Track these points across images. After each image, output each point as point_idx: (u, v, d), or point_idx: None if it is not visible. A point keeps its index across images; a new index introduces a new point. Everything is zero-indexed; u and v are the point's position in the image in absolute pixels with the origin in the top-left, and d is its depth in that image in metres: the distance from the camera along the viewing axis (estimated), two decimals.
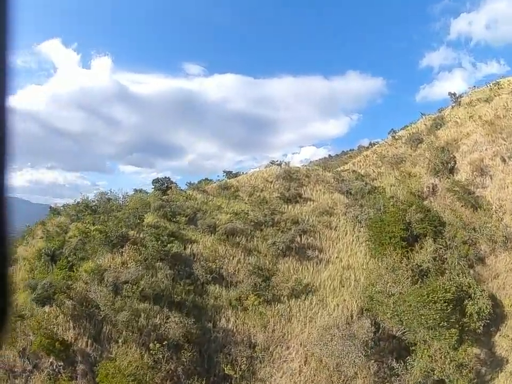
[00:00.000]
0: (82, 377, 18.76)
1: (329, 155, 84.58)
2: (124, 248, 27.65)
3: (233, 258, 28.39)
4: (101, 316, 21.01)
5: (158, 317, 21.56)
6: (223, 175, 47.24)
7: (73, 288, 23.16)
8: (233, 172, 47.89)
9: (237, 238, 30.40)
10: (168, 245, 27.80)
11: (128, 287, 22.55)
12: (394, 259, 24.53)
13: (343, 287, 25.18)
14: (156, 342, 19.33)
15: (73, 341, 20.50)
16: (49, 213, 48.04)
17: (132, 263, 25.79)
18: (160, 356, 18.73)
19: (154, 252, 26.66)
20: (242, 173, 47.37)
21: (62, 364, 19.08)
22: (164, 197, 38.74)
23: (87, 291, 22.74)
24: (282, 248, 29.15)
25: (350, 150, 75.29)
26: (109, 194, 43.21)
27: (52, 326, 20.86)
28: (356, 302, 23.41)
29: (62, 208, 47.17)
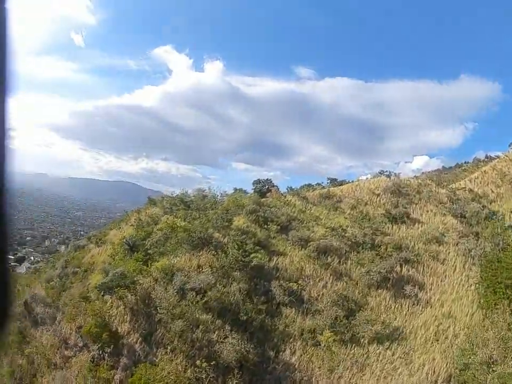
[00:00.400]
0: (122, 371, 19.56)
1: (443, 167, 79.55)
2: (203, 251, 27.46)
3: (319, 281, 26.57)
4: (158, 317, 21.02)
5: (216, 332, 20.93)
6: (327, 182, 45.86)
7: (140, 283, 23.95)
8: (339, 180, 47.05)
9: (329, 257, 28.56)
10: (251, 255, 27.11)
11: (193, 295, 22.46)
12: (507, 322, 20.83)
13: (437, 341, 21.85)
14: (204, 359, 18.69)
15: (125, 334, 21.43)
16: (147, 202, 50.61)
17: (206, 269, 25.62)
18: (204, 376, 17.99)
19: (233, 261, 26.26)
20: (348, 181, 45.90)
21: (109, 352, 20.14)
22: (262, 199, 38.62)
23: (153, 289, 23.19)
24: (377, 278, 26.40)
25: (465, 163, 71.50)
26: (206, 191, 44.07)
27: (108, 316, 22.14)
28: (446, 365, 20.26)
29: (159, 198, 49.27)
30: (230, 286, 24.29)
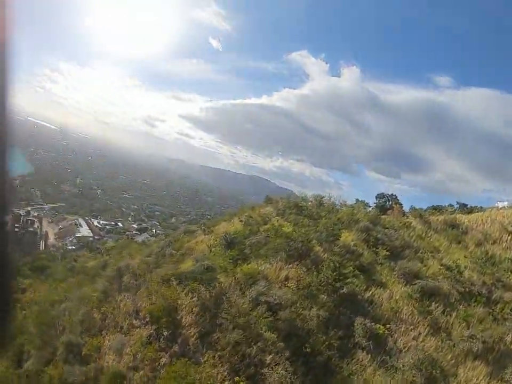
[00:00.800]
0: (169, 357, 20.51)
1: None
2: (295, 264, 26.80)
3: (411, 330, 22.86)
4: (220, 321, 21.54)
5: (271, 355, 20.01)
6: (457, 207, 41.99)
7: (221, 281, 24.57)
8: (470, 205, 43.28)
9: (434, 303, 24.61)
10: (347, 280, 25.13)
11: (263, 309, 22.11)
12: None
13: None
14: (246, 378, 18.47)
15: (186, 325, 22.30)
16: (264, 200, 51.25)
17: (292, 284, 24.81)
18: None
19: (324, 282, 24.75)
20: (479, 208, 41.61)
21: (165, 335, 21.48)
22: (382, 216, 37.13)
23: (229, 291, 23.71)
24: (480, 347, 21.64)
25: None
26: (325, 198, 43.10)
27: (178, 304, 23.28)
28: None
29: (276, 198, 49.52)
30: (310, 310, 22.94)
